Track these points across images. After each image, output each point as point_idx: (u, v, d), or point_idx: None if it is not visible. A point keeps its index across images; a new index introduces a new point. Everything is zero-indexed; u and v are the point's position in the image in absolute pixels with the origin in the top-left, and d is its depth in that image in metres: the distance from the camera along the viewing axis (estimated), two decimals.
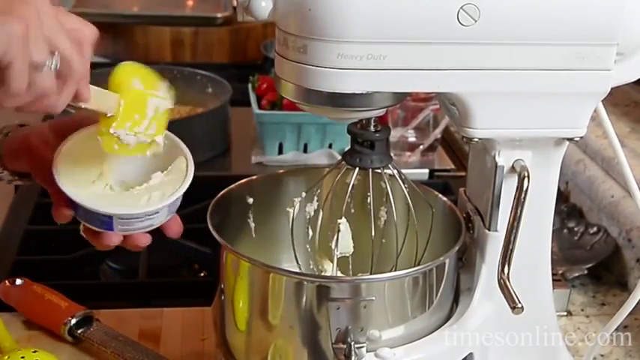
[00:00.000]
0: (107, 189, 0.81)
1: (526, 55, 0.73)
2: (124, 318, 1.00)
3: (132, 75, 0.77)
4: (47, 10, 0.65)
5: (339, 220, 0.84)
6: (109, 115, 0.75)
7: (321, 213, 0.84)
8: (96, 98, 0.73)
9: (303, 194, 0.88)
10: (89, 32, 0.70)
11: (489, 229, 0.81)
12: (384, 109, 0.77)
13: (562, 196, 1.31)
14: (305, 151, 1.47)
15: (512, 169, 0.79)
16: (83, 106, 0.72)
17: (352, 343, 0.75)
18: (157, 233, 1.19)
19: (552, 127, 0.78)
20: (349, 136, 0.81)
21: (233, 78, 1.70)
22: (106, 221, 0.78)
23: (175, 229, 0.83)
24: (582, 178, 1.28)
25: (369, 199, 0.82)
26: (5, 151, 0.85)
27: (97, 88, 0.73)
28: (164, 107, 0.78)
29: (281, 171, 0.94)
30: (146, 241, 0.82)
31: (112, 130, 0.75)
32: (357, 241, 0.87)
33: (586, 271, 1.12)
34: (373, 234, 0.82)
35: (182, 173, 0.80)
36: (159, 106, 0.78)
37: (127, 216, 0.77)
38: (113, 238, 0.80)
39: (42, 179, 0.83)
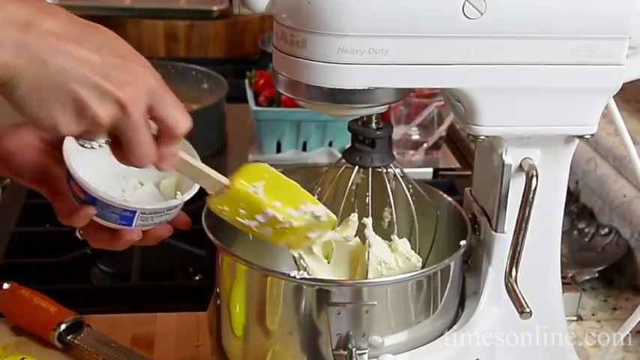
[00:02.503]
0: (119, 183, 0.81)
1: (534, 49, 0.72)
2: (116, 323, 1.00)
3: (255, 177, 0.77)
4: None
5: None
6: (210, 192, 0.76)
7: None
8: (194, 175, 0.76)
9: None
10: (180, 128, 0.69)
11: (496, 231, 0.81)
12: (387, 106, 0.76)
13: (572, 196, 1.31)
14: (304, 149, 1.46)
15: (520, 167, 0.78)
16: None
17: (353, 350, 0.74)
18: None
19: (562, 124, 0.77)
20: (350, 134, 0.80)
21: (229, 73, 1.70)
22: (127, 216, 0.76)
23: (185, 220, 0.82)
24: (593, 177, 1.28)
25: (368, 200, 0.81)
26: None
27: (204, 167, 0.76)
28: (290, 225, 0.76)
29: (279, 170, 0.92)
30: (168, 232, 0.80)
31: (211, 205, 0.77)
32: None
33: (597, 274, 1.12)
34: None
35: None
36: (282, 223, 0.75)
37: (152, 210, 0.76)
38: (134, 235, 0.78)
39: (31, 181, 0.81)
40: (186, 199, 0.78)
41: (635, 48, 0.75)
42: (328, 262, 0.81)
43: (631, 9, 0.72)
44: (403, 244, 0.81)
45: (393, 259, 0.80)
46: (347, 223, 0.83)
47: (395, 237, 0.82)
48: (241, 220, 0.76)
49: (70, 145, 0.77)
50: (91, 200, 0.75)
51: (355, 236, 0.83)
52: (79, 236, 0.82)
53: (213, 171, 0.76)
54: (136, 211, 0.75)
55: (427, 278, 0.78)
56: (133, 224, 0.76)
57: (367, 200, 0.80)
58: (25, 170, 0.80)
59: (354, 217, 0.84)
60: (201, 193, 0.86)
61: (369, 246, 0.79)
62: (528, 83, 0.74)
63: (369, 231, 0.79)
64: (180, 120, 0.69)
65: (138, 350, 0.94)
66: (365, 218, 0.80)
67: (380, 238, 0.81)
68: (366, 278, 0.78)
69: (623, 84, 0.75)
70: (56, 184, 0.78)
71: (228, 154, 1.52)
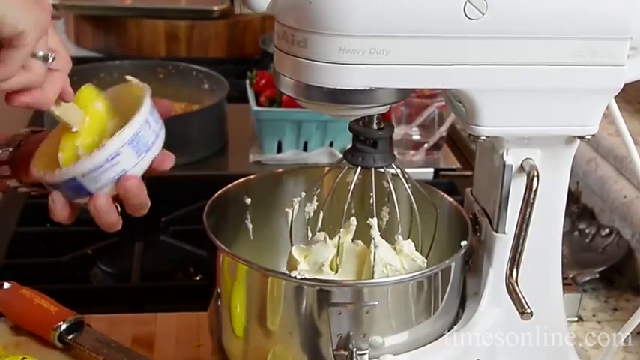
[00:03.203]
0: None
1: (535, 50, 0.72)
2: (117, 323, 1.00)
3: (94, 97, 0.78)
4: None
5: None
6: (73, 130, 0.77)
7: (321, 214, 0.83)
8: (67, 109, 0.75)
9: (303, 194, 0.86)
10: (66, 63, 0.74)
11: (497, 231, 0.80)
12: (388, 106, 0.76)
13: (572, 197, 1.30)
14: (305, 149, 1.45)
15: (521, 168, 0.78)
16: (57, 114, 0.75)
17: (354, 350, 0.74)
18: (153, 233, 1.18)
19: (563, 124, 0.77)
20: (351, 134, 0.80)
21: (230, 73, 1.69)
22: (77, 186, 0.74)
23: (166, 163, 0.79)
24: (594, 177, 1.28)
25: (372, 200, 0.80)
26: (19, 163, 0.84)
27: (67, 102, 0.76)
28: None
29: (280, 170, 0.93)
30: (169, 162, 0.79)
31: (77, 144, 0.76)
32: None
33: (598, 275, 1.12)
34: None
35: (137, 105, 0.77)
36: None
37: (87, 171, 0.73)
38: (101, 200, 0.75)
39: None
40: (116, 145, 0.73)
41: (636, 49, 0.74)
42: (335, 272, 0.81)
43: (632, 10, 0.72)
44: (408, 246, 0.81)
45: (399, 261, 0.80)
46: (348, 228, 0.83)
47: (399, 238, 0.82)
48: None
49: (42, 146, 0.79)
50: (50, 186, 0.76)
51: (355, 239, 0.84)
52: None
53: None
54: (75, 178, 0.74)
55: (428, 279, 0.77)
56: (92, 190, 0.74)
57: (371, 201, 0.80)
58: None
59: (354, 221, 0.84)
60: (204, 194, 0.86)
61: (375, 247, 0.79)
62: (529, 84, 0.73)
63: (375, 231, 0.79)
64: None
65: (138, 350, 0.94)
66: (370, 219, 0.80)
67: (384, 240, 0.81)
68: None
69: (624, 84, 0.75)
70: None
71: (228, 155, 1.52)
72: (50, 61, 0.70)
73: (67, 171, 0.74)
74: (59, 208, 0.77)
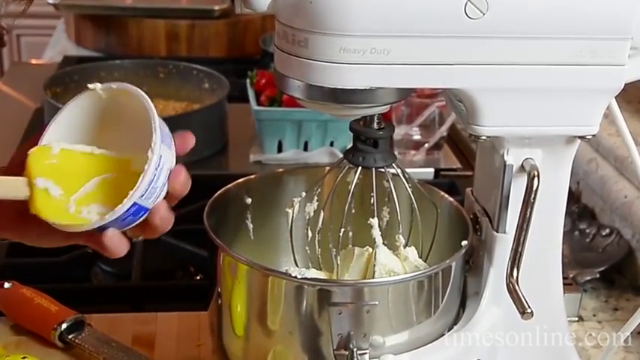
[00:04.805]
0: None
1: (536, 50, 0.72)
2: (117, 323, 1.00)
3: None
4: None
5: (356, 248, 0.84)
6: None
7: (321, 213, 0.83)
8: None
9: (303, 194, 0.86)
10: None
11: (497, 231, 0.80)
12: (388, 106, 0.76)
13: (573, 197, 1.30)
14: (305, 149, 1.45)
15: (522, 168, 0.78)
16: None
17: (354, 350, 0.74)
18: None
19: (563, 124, 0.77)
20: (351, 134, 0.80)
21: (231, 73, 1.70)
22: (136, 210, 0.71)
23: (187, 142, 0.75)
24: (594, 177, 1.28)
25: (372, 200, 0.80)
26: None
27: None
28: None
29: (280, 170, 0.93)
30: (190, 141, 0.75)
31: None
32: (357, 242, 0.86)
33: (598, 275, 1.12)
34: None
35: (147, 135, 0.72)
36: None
37: (144, 189, 0.71)
38: (163, 208, 0.74)
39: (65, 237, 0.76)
40: (158, 148, 0.70)
41: (637, 48, 0.74)
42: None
43: (633, 10, 0.72)
44: (412, 253, 0.81)
45: (402, 269, 0.80)
46: (351, 255, 0.83)
47: (401, 239, 0.81)
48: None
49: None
50: (102, 227, 0.72)
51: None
52: None
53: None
54: (135, 202, 0.71)
55: (428, 278, 0.77)
56: (149, 206, 0.73)
57: (372, 200, 0.80)
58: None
59: (354, 249, 0.84)
60: (204, 194, 0.86)
61: (376, 247, 0.79)
62: (530, 83, 0.73)
63: (376, 231, 0.79)
64: None
65: (139, 350, 0.94)
66: (371, 219, 0.80)
67: (385, 247, 0.81)
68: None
69: (625, 84, 0.75)
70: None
71: (229, 154, 1.52)
72: None
73: (127, 200, 0.70)
74: (118, 243, 0.72)
